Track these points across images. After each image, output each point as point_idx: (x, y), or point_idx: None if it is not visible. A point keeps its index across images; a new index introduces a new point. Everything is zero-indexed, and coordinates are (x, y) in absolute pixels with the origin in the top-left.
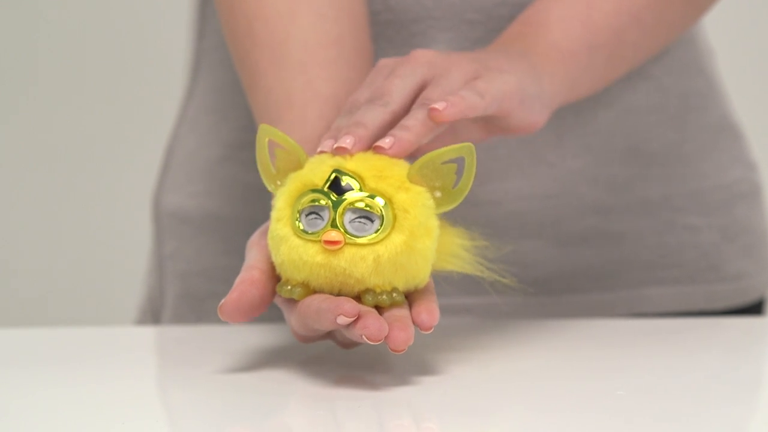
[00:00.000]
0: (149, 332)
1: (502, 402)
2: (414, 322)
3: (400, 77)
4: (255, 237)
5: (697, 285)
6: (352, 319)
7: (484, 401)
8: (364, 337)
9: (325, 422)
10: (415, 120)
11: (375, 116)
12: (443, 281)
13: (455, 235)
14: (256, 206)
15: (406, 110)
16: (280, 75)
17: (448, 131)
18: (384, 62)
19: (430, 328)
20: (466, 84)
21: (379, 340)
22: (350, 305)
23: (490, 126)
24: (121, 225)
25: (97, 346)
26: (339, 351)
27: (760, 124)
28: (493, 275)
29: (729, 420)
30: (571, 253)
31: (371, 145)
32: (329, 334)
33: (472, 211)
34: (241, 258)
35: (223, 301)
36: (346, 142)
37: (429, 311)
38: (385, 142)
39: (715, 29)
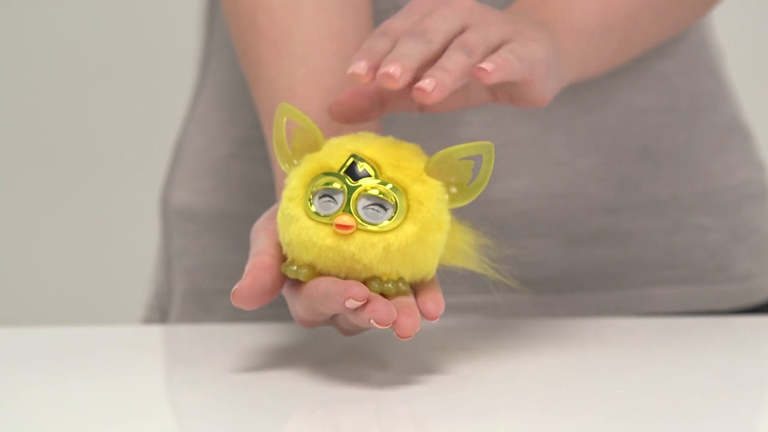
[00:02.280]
0: (156, 331)
1: (507, 401)
2: (420, 311)
3: (443, 18)
4: (261, 222)
5: (705, 285)
6: (361, 303)
7: (490, 401)
8: (372, 321)
9: (328, 423)
10: (455, 64)
11: (420, 51)
12: (450, 280)
13: (463, 232)
14: (264, 204)
15: (441, 53)
16: (283, 66)
17: (461, 86)
18: (420, 0)
19: (436, 317)
20: (503, 42)
21: (387, 324)
22: (359, 289)
23: (501, 93)
24: (130, 221)
25: (104, 345)
26: (347, 351)
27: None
28: (497, 274)
29: (737, 419)
30: (580, 252)
31: (411, 81)
32: (332, 320)
33: (480, 209)
34: (248, 256)
35: (236, 287)
36: (394, 70)
37: (435, 300)
38: (426, 83)
39: (725, 29)
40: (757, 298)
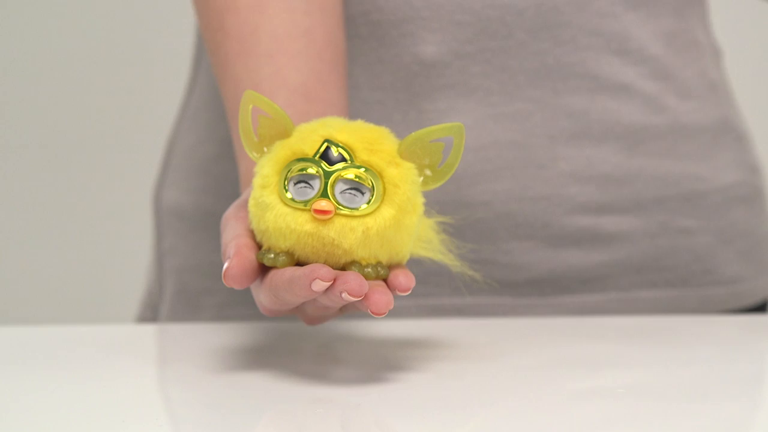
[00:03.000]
0: (147, 330)
1: (486, 399)
2: (391, 286)
3: None
4: (230, 212)
5: (690, 288)
6: (329, 284)
7: (469, 398)
8: (344, 294)
9: (321, 420)
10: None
11: None
12: (433, 282)
13: (427, 221)
14: None
15: None
16: (249, 65)
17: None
18: None
19: (408, 290)
20: None
21: (360, 296)
22: (326, 270)
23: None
24: (124, 220)
25: (95, 345)
26: (334, 349)
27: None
28: (459, 265)
29: (728, 416)
30: (562, 254)
31: None
32: (297, 308)
33: (462, 211)
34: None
35: (225, 266)
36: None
37: (405, 275)
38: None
39: (725, 29)
40: (745, 302)
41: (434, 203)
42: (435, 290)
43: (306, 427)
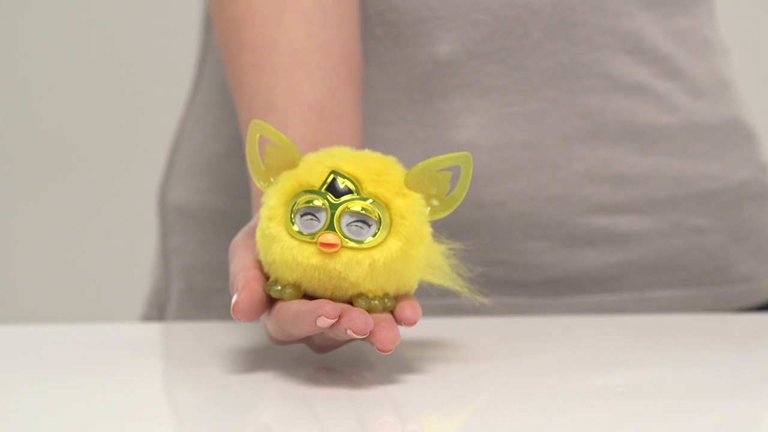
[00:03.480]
0: (153, 329)
1: (496, 399)
2: (397, 318)
3: None
4: (239, 239)
5: (704, 287)
6: (333, 321)
7: (472, 398)
8: (349, 331)
9: (327, 419)
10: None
11: None
12: None
13: (437, 246)
14: None
15: None
16: (264, 78)
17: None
18: None
19: (414, 323)
20: None
21: (365, 334)
22: (331, 306)
23: None
24: (128, 218)
25: (100, 343)
26: (348, 349)
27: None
28: (471, 292)
29: (743, 414)
30: (577, 254)
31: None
32: (305, 338)
33: (477, 212)
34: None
35: (234, 300)
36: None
37: (412, 307)
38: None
39: (730, 28)
40: (758, 299)
41: None
42: (451, 291)
43: (314, 427)
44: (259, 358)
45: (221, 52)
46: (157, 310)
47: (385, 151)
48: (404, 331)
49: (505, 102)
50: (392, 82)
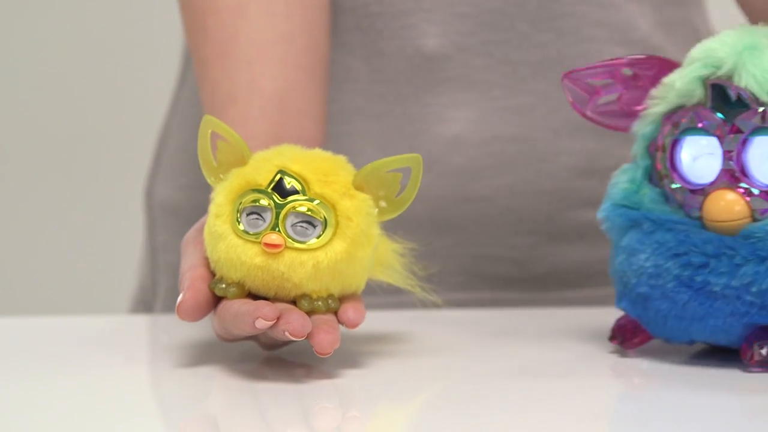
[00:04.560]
0: (140, 321)
1: (482, 393)
2: (341, 320)
3: None
4: (190, 235)
5: None
6: (271, 323)
7: (459, 392)
8: (287, 333)
9: (316, 411)
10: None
11: None
12: (438, 277)
13: (390, 245)
14: None
15: None
16: (226, 70)
17: None
18: None
19: (357, 325)
20: None
21: (302, 336)
22: (269, 308)
23: None
24: (115, 215)
25: (85, 336)
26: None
27: None
28: (422, 291)
29: (736, 407)
30: (566, 249)
31: None
32: (252, 336)
33: (465, 207)
34: None
35: (179, 300)
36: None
37: (356, 309)
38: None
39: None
40: None
41: (437, 198)
42: (439, 286)
43: (304, 421)
44: (245, 352)
45: (188, 42)
46: (144, 307)
47: (372, 145)
48: (397, 323)
49: (492, 96)
50: (379, 76)
